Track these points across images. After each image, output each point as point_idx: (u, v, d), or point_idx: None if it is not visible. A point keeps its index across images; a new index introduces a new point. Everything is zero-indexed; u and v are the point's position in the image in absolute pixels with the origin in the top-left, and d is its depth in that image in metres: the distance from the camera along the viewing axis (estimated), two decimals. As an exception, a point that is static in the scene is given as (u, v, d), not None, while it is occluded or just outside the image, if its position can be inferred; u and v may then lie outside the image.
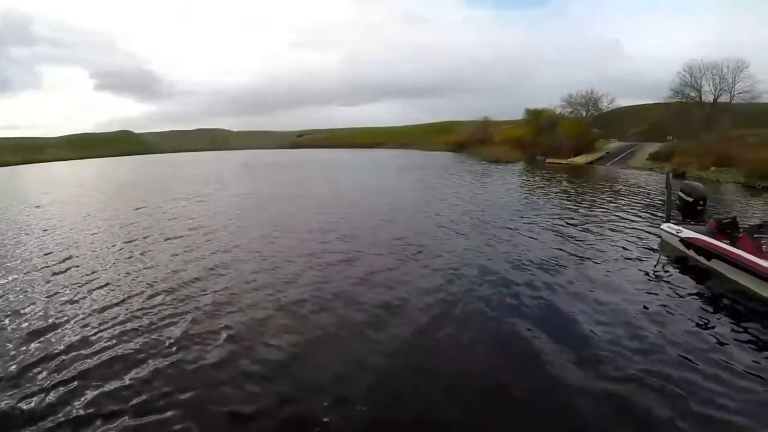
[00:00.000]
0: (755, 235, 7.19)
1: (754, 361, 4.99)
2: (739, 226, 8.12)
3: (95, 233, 13.52)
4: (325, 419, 4.12)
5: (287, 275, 8.38)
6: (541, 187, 23.73)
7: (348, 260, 9.24)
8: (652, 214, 14.09)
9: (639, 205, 16.86)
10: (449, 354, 5.35)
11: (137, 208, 18.08)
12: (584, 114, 58.16)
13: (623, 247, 10.08)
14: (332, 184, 27.42)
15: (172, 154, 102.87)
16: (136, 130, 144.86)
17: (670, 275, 8.06)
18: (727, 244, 7.57)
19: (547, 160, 43.30)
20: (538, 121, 53.74)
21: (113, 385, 4.87)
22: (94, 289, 8.03)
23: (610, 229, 12.11)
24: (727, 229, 7.95)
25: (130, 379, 4.95)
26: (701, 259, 8.19)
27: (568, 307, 6.61)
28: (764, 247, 6.98)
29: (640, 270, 8.36)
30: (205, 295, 7.45)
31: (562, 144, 45.03)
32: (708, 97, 45.77)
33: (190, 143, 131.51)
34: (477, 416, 4.15)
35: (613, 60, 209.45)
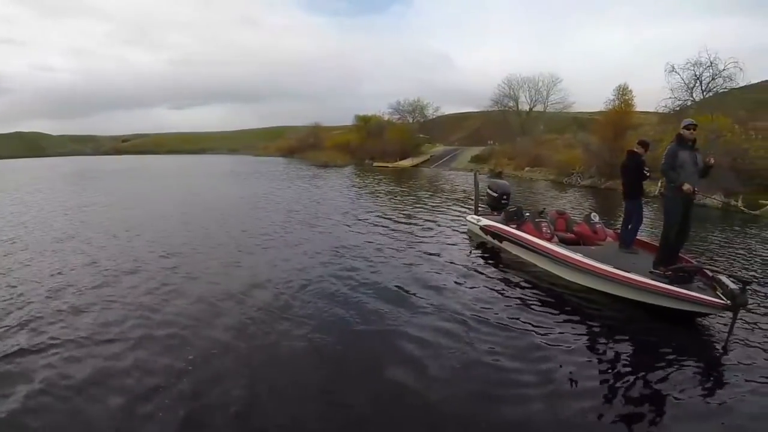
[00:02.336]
0: (536, 220, 8.68)
1: (525, 312, 6.06)
2: (524, 213, 9.46)
3: None
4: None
5: (129, 278, 7.67)
6: (368, 188, 23.98)
7: (184, 261, 8.71)
8: (465, 208, 15.18)
9: (456, 200, 18.16)
10: (272, 333, 5.46)
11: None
12: (411, 120, 60.16)
13: (438, 235, 10.97)
14: (165, 192, 23.61)
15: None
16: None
17: (472, 255, 9.17)
18: (514, 228, 8.91)
19: (375, 164, 44.07)
20: (368, 126, 54.23)
21: None
22: None
23: (428, 221, 12.89)
24: (514, 216, 9.37)
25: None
26: (495, 241, 9.50)
27: (386, 282, 7.28)
28: (543, 228, 8.42)
29: (450, 252, 9.31)
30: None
31: (389, 148, 46.00)
32: (524, 107, 51.34)
33: (5, 149, 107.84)
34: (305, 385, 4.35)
35: (442, 71, 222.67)
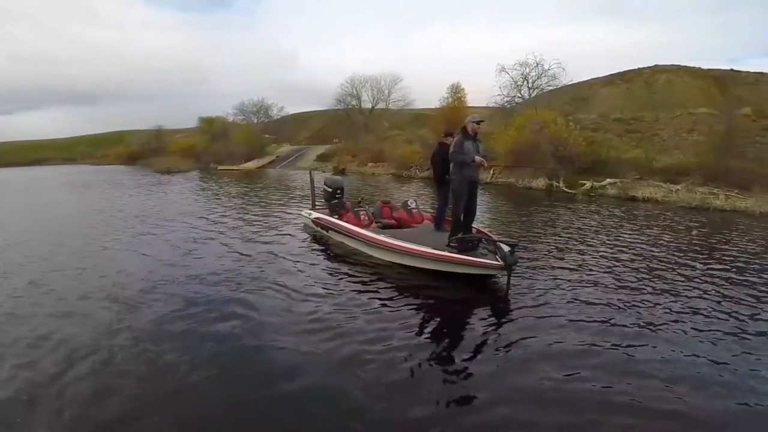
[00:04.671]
0: (356, 209, 9.29)
1: (340, 287, 6.52)
2: (345, 205, 9.84)
3: None
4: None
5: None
6: (211, 191, 22.99)
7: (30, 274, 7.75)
8: (305, 204, 15.07)
9: (297, 198, 18.34)
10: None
11: None
12: (255, 121, 57.42)
13: (276, 229, 11.33)
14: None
15: None
16: None
17: (303, 244, 9.58)
18: (337, 219, 9.39)
19: (220, 167, 40.74)
20: (212, 129, 50.71)
21: None
22: None
23: (268, 217, 13.28)
24: (337, 208, 9.81)
25: None
26: (324, 231, 9.96)
27: (221, 270, 7.53)
28: (362, 217, 9.05)
29: (284, 243, 9.70)
30: None
31: (234, 151, 43.14)
32: (367, 105, 51.05)
33: None
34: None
35: (289, 69, 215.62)
